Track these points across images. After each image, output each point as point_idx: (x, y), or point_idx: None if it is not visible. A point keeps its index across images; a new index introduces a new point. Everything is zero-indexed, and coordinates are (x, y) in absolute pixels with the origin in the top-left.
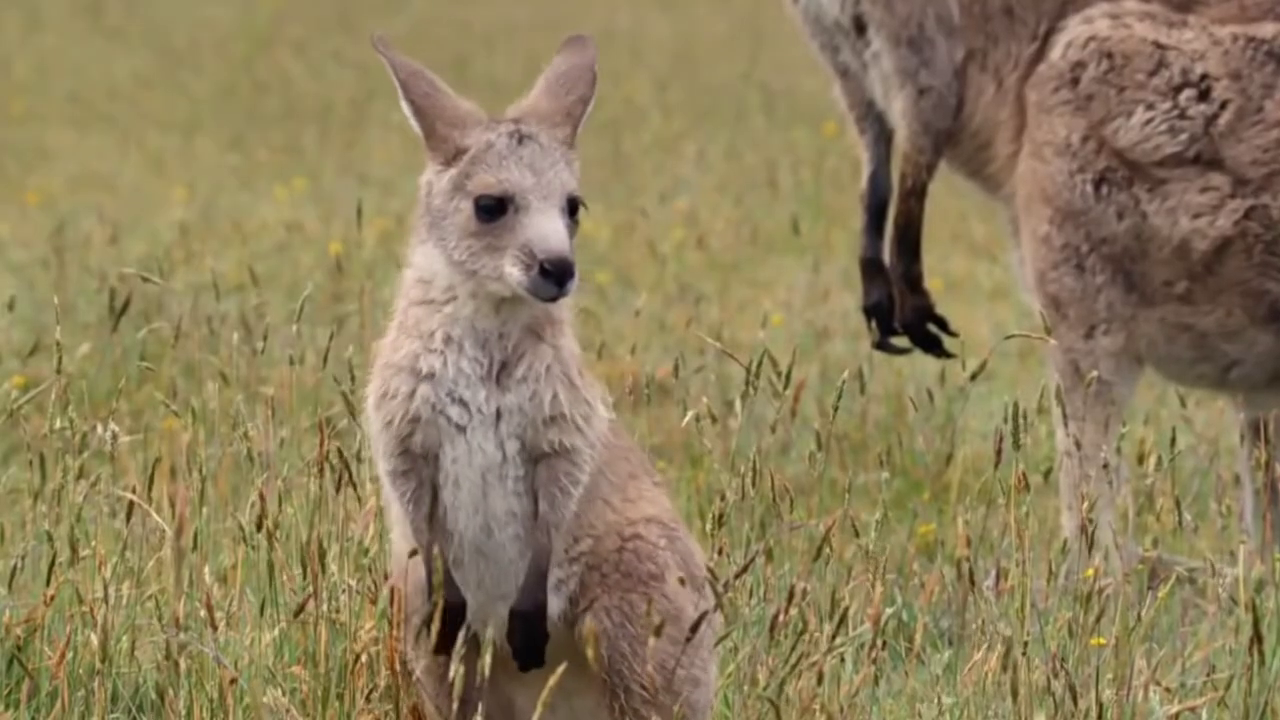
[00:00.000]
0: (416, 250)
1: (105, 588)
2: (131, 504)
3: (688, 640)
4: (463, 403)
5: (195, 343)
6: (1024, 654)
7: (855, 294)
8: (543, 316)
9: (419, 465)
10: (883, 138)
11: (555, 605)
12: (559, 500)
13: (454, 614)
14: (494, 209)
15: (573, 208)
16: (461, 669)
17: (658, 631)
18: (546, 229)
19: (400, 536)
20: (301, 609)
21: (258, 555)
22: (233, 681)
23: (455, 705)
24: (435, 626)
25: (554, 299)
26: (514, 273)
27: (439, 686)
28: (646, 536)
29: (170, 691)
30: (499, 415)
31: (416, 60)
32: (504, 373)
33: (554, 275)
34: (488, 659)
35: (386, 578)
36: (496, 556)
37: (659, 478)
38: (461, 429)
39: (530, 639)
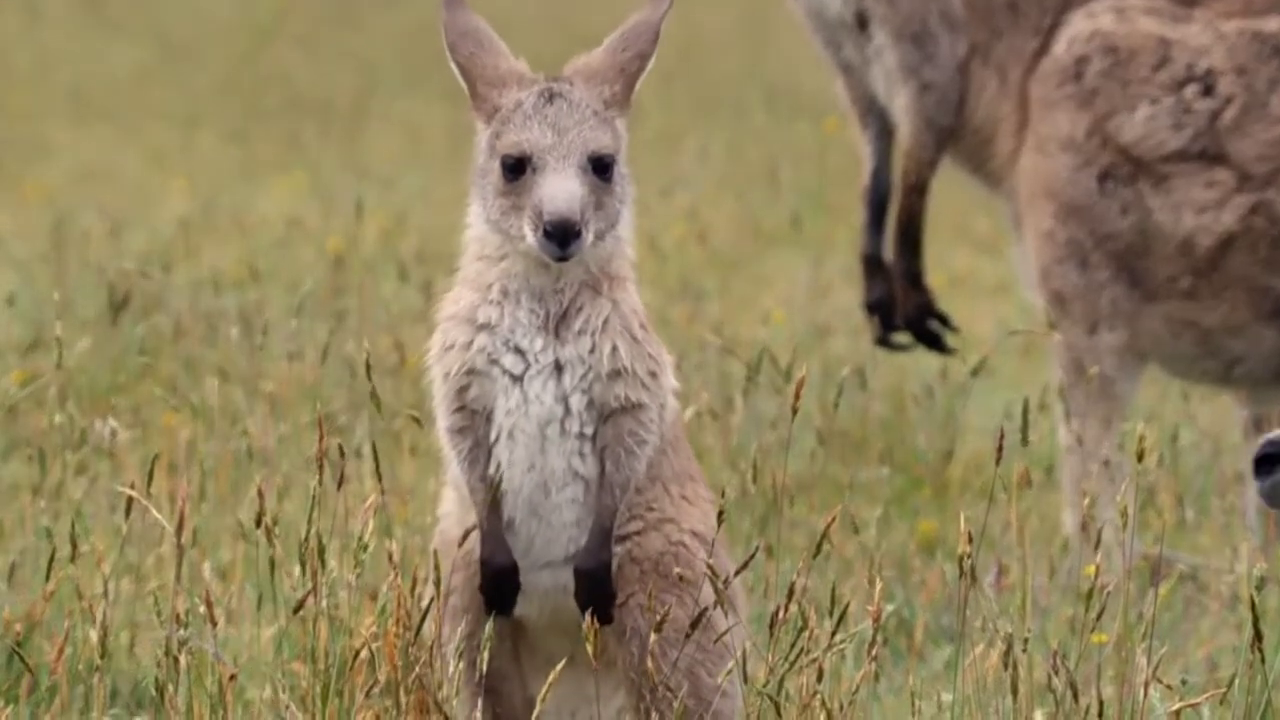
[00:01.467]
0: (470, 209)
1: (105, 584)
2: (131, 500)
3: (686, 637)
4: (519, 350)
5: (195, 338)
6: (1025, 651)
7: (857, 290)
8: (598, 272)
9: (476, 422)
10: (885, 134)
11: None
12: (624, 459)
13: (501, 577)
14: (516, 168)
15: (600, 166)
16: (487, 654)
17: (693, 627)
18: (555, 189)
19: (454, 501)
20: (301, 605)
21: (257, 551)
22: (232, 678)
23: (482, 695)
24: (484, 589)
25: (561, 259)
26: (527, 233)
27: (470, 671)
28: (690, 547)
29: (170, 688)
30: (559, 368)
31: (419, 52)
32: (563, 324)
33: (555, 236)
34: (485, 655)
35: (393, 571)
36: (551, 519)
37: (710, 494)
38: (516, 378)
39: (596, 597)
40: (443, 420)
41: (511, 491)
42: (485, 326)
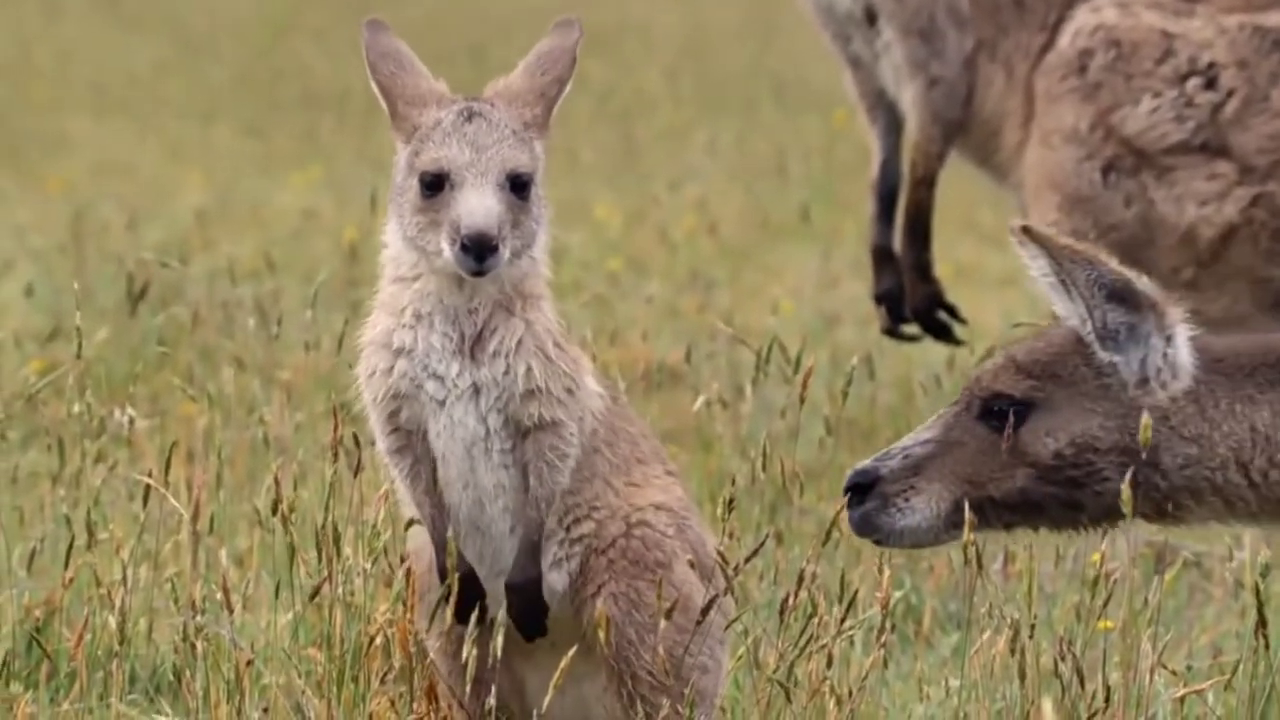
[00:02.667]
0: (387, 228)
1: (123, 571)
2: (149, 488)
3: (697, 625)
4: (438, 377)
5: (212, 328)
6: (1031, 637)
7: (865, 281)
8: (512, 291)
9: (413, 441)
10: (893, 127)
11: (558, 583)
12: (545, 474)
13: (464, 583)
14: (434, 185)
15: (517, 184)
16: (474, 649)
17: (668, 615)
18: (473, 205)
19: (410, 514)
20: (317, 592)
21: (274, 539)
22: (249, 663)
23: (469, 685)
24: (453, 598)
25: (477, 274)
26: (445, 248)
27: (452, 665)
28: (654, 524)
29: (187, 673)
30: (477, 390)
31: (430, 47)
32: (477, 347)
33: (473, 250)
34: (499, 640)
35: (403, 560)
36: (490, 531)
37: (673, 466)
38: (440, 403)
39: (528, 611)
40: (380, 442)
41: (452, 506)
42: (402, 351)
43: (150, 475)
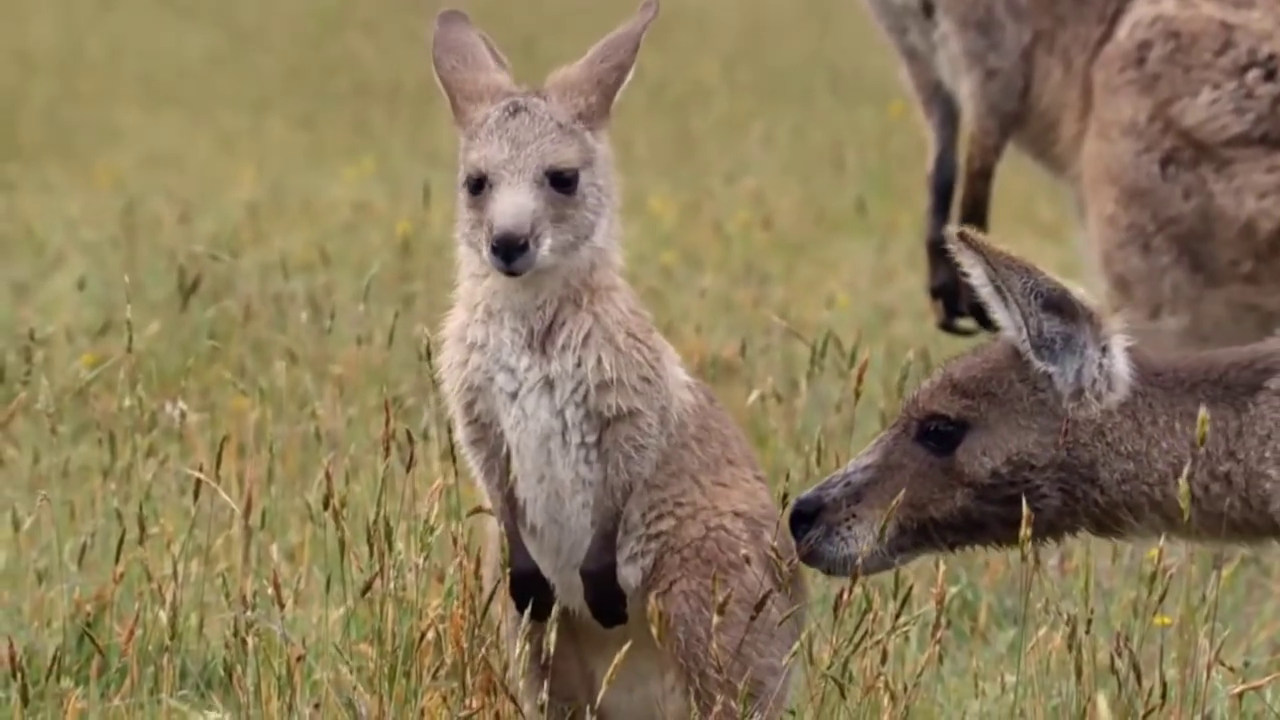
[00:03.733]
0: (458, 226)
1: (174, 565)
2: (200, 482)
3: (751, 619)
4: (509, 370)
5: (263, 321)
6: (1088, 633)
7: (921, 274)
8: (579, 285)
9: (488, 434)
10: (950, 119)
11: (631, 578)
12: (622, 463)
13: (524, 582)
14: (476, 186)
15: (559, 180)
16: (550, 640)
17: (720, 609)
18: (503, 205)
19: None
20: (369, 587)
21: (325, 534)
22: (300, 659)
23: (538, 676)
24: (502, 589)
25: (509, 274)
26: (485, 248)
27: (531, 647)
28: (731, 529)
29: (238, 668)
30: (549, 383)
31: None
32: (547, 341)
33: (500, 251)
34: (552, 636)
35: (455, 555)
36: (568, 525)
37: (762, 472)
38: (512, 395)
39: (603, 598)
40: (459, 433)
41: (529, 500)
42: (475, 345)
43: (201, 470)
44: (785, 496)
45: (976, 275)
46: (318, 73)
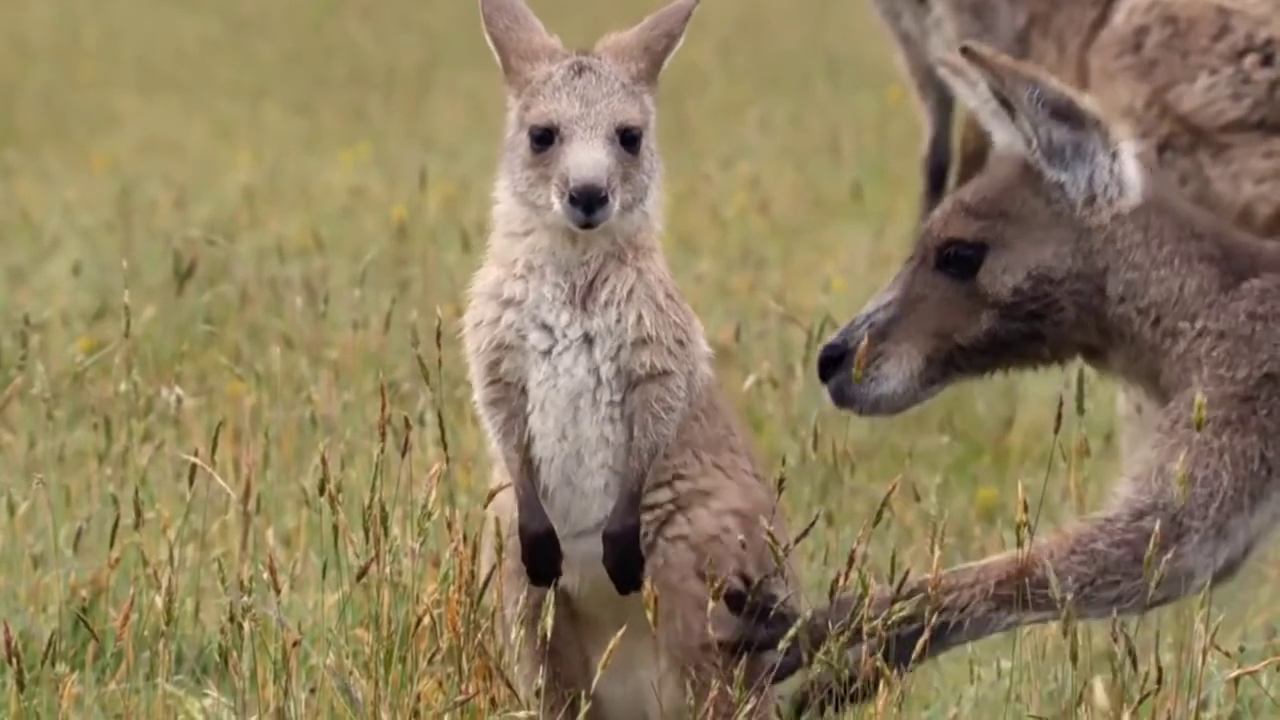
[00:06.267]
0: (498, 184)
1: (170, 550)
2: (195, 467)
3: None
4: (545, 327)
5: (260, 306)
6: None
7: None
8: (624, 244)
9: (510, 393)
10: (944, 104)
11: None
12: (650, 425)
13: (540, 543)
14: (544, 139)
15: (627, 138)
16: (548, 620)
17: (716, 594)
18: (581, 157)
19: (500, 472)
20: (364, 572)
21: (321, 519)
22: (295, 644)
23: (539, 654)
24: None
25: (586, 226)
26: (554, 201)
27: (530, 631)
28: (732, 528)
29: (234, 654)
30: (589, 339)
31: (480, 25)
32: (588, 297)
33: (581, 202)
34: (549, 620)
35: (452, 538)
36: (583, 486)
37: (759, 470)
38: (545, 353)
39: (624, 562)
40: (478, 393)
41: (545, 460)
42: (511, 302)
43: (197, 454)
44: (781, 481)
45: (981, 90)
46: (314, 58)
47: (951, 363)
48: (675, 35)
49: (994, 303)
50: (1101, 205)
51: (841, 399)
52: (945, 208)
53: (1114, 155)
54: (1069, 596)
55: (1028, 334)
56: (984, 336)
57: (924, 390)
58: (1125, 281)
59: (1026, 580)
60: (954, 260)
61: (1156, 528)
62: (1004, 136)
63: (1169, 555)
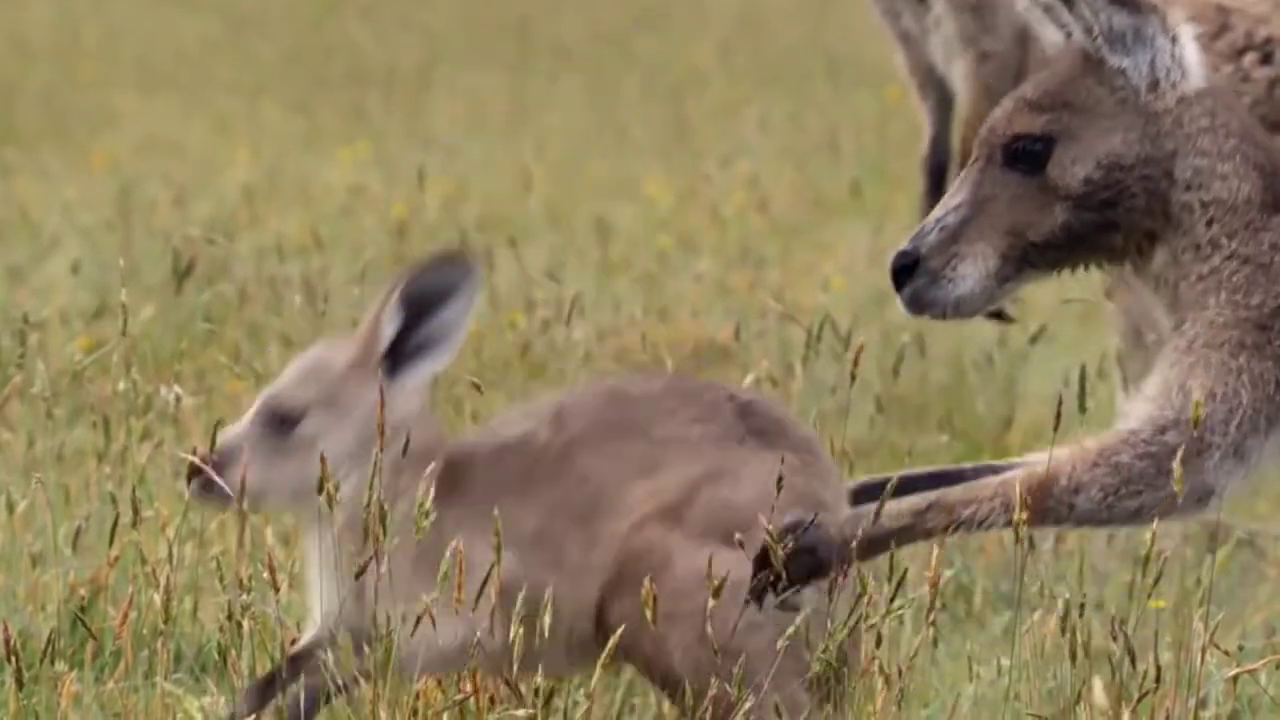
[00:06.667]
0: None
1: (169, 549)
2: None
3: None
4: None
5: (259, 305)
6: (1082, 616)
7: None
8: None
9: None
10: (944, 103)
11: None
12: None
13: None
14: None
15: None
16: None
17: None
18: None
19: None
20: (362, 571)
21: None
22: (293, 642)
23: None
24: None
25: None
26: None
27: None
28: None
29: (233, 652)
30: None
31: (476, 21)
32: None
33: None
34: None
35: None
36: None
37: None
38: None
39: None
40: None
41: None
42: None
43: (195, 453)
44: (780, 480)
45: None
46: (314, 57)
47: (1026, 259)
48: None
49: (1066, 195)
50: (1165, 89)
51: (918, 305)
52: (1007, 106)
53: (1174, 39)
54: (1090, 508)
55: (1101, 224)
56: (1058, 230)
57: (1000, 289)
58: (1193, 168)
59: (1049, 491)
60: (1022, 156)
61: (1179, 442)
62: (1053, 35)
63: (1191, 470)
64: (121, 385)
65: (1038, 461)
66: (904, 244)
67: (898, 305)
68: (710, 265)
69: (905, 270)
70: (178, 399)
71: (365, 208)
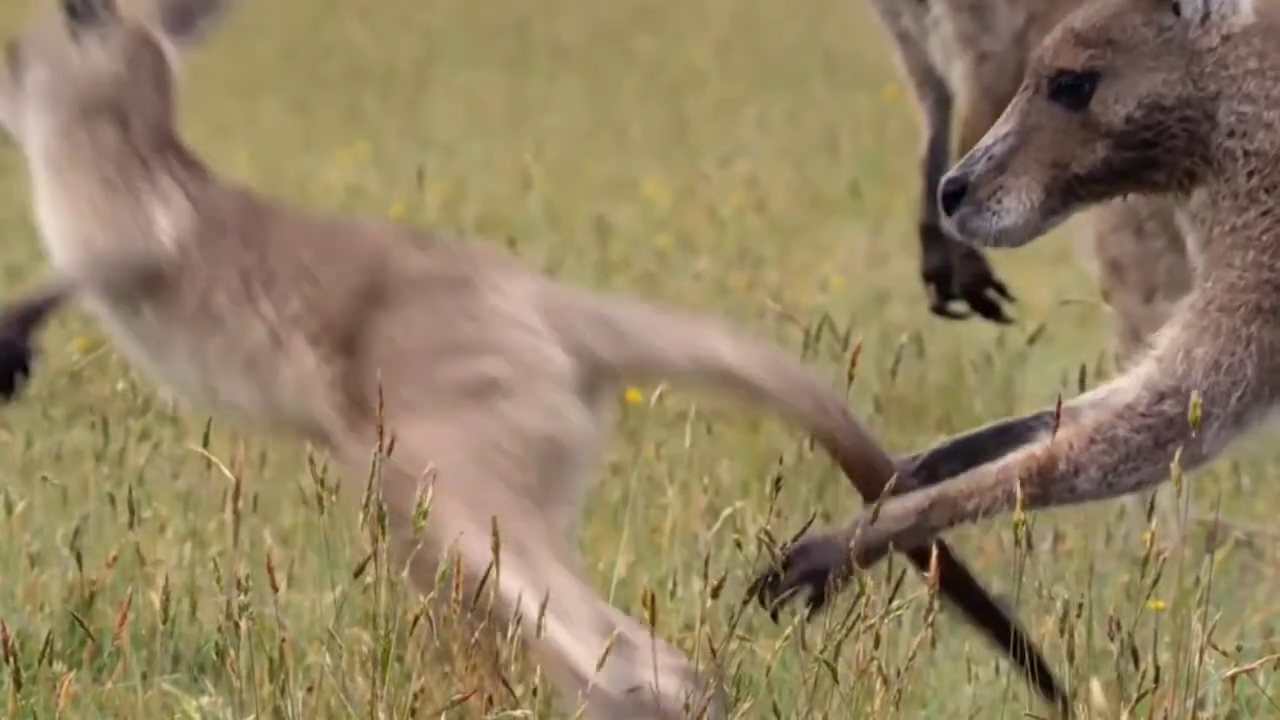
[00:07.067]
0: None
1: (168, 549)
2: (206, 461)
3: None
4: None
5: None
6: (1079, 617)
7: (914, 258)
8: None
9: None
10: (942, 103)
11: None
12: None
13: None
14: None
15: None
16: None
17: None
18: None
19: None
20: (361, 570)
21: (319, 517)
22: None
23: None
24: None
25: None
26: None
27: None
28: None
29: (231, 652)
30: None
31: (475, 21)
32: None
33: None
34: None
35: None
36: None
37: None
38: None
39: None
40: None
41: None
42: None
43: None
44: (778, 480)
45: None
46: (312, 57)
47: (1071, 191)
48: None
49: (1108, 132)
50: (1214, 24)
51: (966, 232)
52: (1056, 36)
53: None
54: (1091, 488)
55: (1142, 162)
56: (1100, 166)
57: (1045, 221)
58: (1238, 114)
59: (1050, 476)
60: (1065, 90)
61: (1177, 411)
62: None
63: (1187, 439)
64: (119, 385)
65: (1037, 445)
66: (954, 169)
67: (947, 226)
68: (708, 265)
69: (954, 196)
70: (176, 399)
71: (364, 208)
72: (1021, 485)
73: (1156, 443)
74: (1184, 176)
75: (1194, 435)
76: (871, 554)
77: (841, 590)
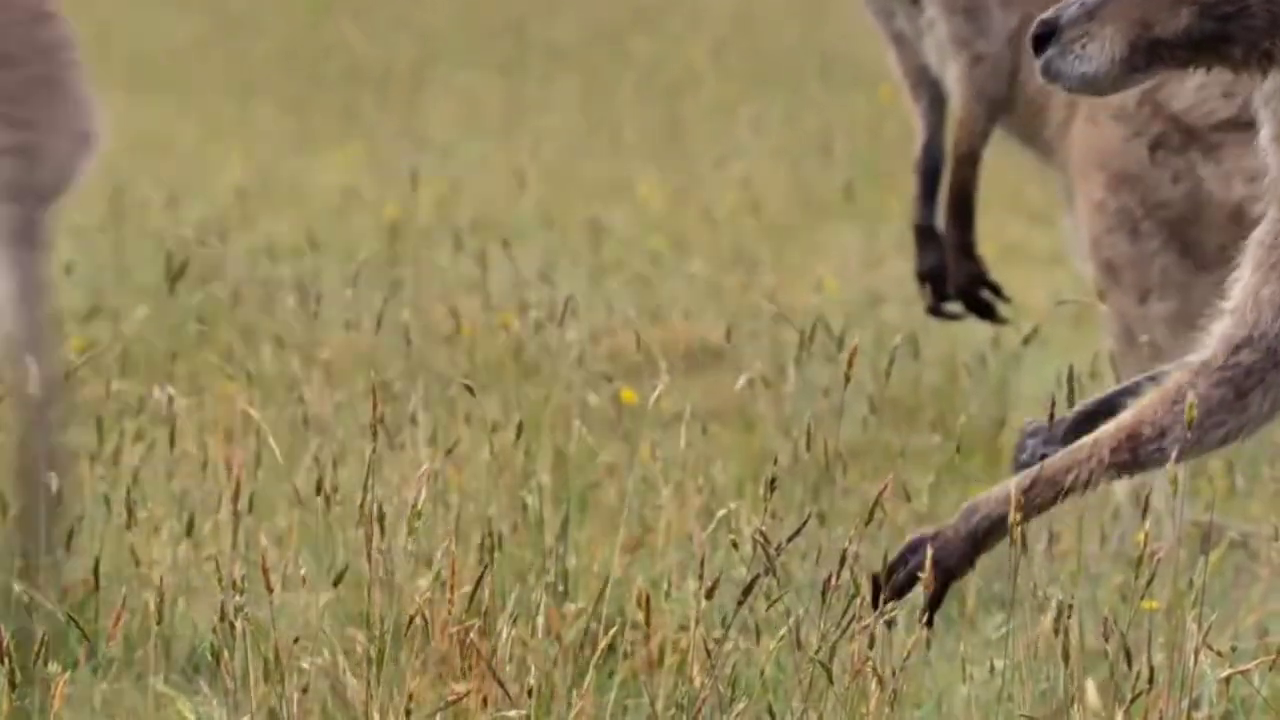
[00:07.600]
0: None
1: (162, 550)
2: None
3: (739, 605)
4: None
5: (252, 306)
6: (1072, 618)
7: (910, 259)
8: None
9: None
10: (937, 104)
11: None
12: None
13: None
14: None
15: None
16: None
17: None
18: None
19: None
20: (344, 571)
21: (314, 519)
22: (295, 640)
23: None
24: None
25: None
26: None
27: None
28: None
29: (226, 653)
30: None
31: (471, 22)
32: None
33: None
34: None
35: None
36: None
37: None
38: None
39: None
40: None
41: None
42: None
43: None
44: (773, 481)
45: None
46: (307, 57)
47: (1153, 53)
48: None
49: (1192, 0)
50: None
51: (1050, 73)
52: None
53: None
54: (1179, 448)
55: (1220, 35)
56: (1181, 33)
57: (1126, 76)
58: None
59: (1138, 441)
60: None
61: (1254, 359)
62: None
63: (1268, 386)
64: (115, 386)
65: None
66: (1049, 11)
67: (1037, 67)
68: (703, 266)
69: (1044, 38)
70: (170, 400)
71: (358, 209)
72: (1112, 454)
73: (1238, 394)
74: (1262, 57)
75: (1274, 374)
76: (981, 541)
77: (835, 588)
